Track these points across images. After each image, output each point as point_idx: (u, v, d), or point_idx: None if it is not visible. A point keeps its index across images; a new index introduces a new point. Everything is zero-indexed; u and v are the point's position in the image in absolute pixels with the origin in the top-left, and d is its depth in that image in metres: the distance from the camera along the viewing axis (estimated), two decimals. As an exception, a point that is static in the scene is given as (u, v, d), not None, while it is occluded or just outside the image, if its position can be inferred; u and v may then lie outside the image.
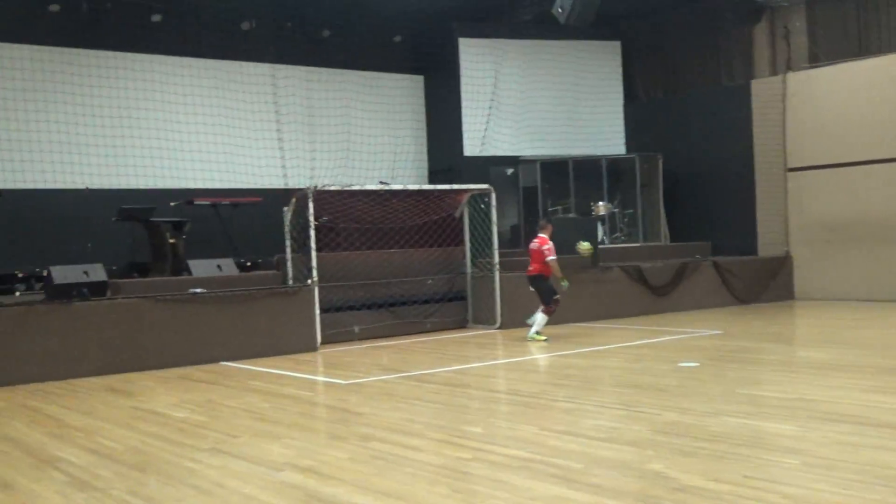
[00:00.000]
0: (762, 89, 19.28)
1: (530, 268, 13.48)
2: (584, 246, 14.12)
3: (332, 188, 13.96)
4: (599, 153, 20.80)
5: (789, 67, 19.15)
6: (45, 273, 12.87)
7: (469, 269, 15.71)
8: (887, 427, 6.80)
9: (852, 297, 17.65)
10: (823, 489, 5.25)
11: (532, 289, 13.49)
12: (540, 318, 13.35)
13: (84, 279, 12.21)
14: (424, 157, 20.79)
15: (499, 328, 14.89)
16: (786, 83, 18.83)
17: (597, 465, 5.99)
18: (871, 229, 17.42)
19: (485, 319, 15.23)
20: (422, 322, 14.95)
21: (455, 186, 15.53)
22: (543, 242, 13.37)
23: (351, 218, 14.52)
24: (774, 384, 9.15)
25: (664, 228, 20.51)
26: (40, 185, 16.06)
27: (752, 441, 6.53)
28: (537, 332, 13.30)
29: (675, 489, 5.35)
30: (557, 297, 13.34)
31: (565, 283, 13.37)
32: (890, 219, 17.15)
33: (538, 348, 12.67)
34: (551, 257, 13.19)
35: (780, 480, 5.50)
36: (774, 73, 19.51)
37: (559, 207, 19.82)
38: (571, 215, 19.44)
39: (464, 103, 20.05)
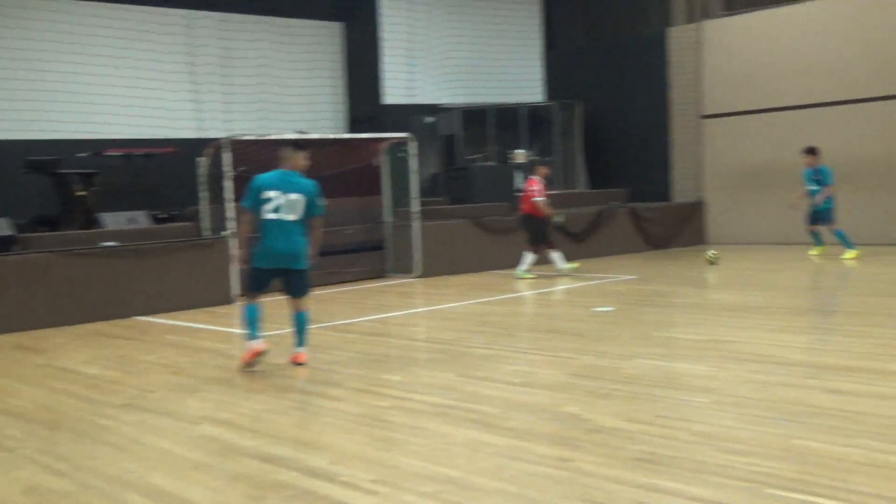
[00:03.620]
0: (679, 37, 19.46)
1: (521, 207, 14.36)
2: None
3: (249, 137, 13.70)
4: (518, 101, 20.80)
5: (706, 15, 19.34)
6: (-52, 228, 12.39)
7: (388, 219, 15.65)
8: (794, 365, 7.02)
9: (763, 241, 18.11)
10: (733, 426, 5.41)
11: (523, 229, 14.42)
12: (529, 258, 14.23)
13: (-11, 234, 11.81)
14: (343, 105, 20.52)
15: (418, 277, 14.90)
16: (701, 31, 19.04)
17: (513, 410, 6.06)
18: (782, 175, 17.82)
19: (404, 269, 15.21)
20: (340, 272, 14.86)
21: (374, 135, 15.38)
22: (532, 183, 14.11)
23: (268, 168, 14.26)
24: (687, 326, 9.37)
25: (583, 176, 20.69)
26: (-60, 137, 15.41)
27: (665, 382, 6.68)
28: (526, 270, 14.15)
29: (589, 430, 5.45)
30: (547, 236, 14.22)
31: (560, 219, 14.34)
32: (800, 164, 17.54)
33: (526, 285, 13.41)
34: (538, 197, 13.92)
35: (692, 418, 5.65)
36: (691, 21, 19.69)
37: (478, 156, 19.82)
38: (490, 163, 19.47)
39: (383, 50, 19.80)
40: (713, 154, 19.07)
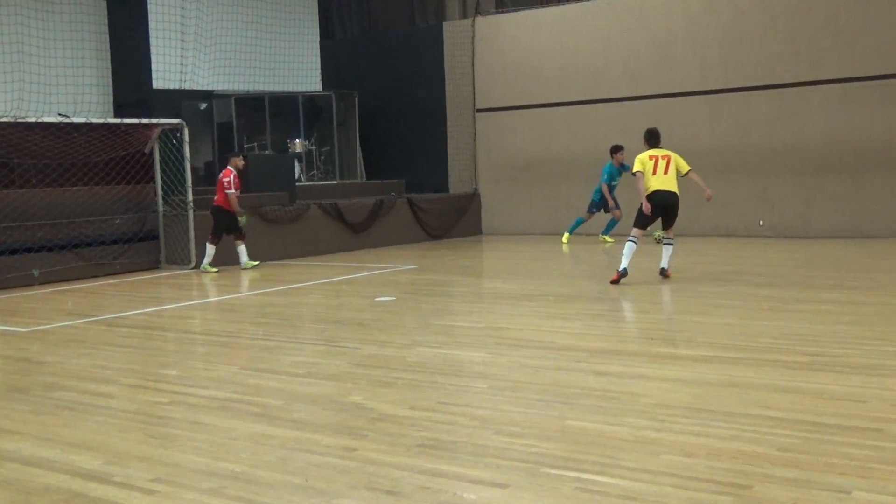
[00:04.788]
0: (453, 32, 19.92)
1: (215, 198, 14.03)
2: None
3: (4, 120, 12.76)
4: (296, 90, 20.58)
5: (478, 12, 19.90)
6: None
7: (161, 208, 15.06)
8: (565, 350, 7.38)
9: (535, 231, 18.92)
10: (509, 409, 5.62)
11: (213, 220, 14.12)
12: (209, 249, 14.04)
13: None
14: (109, 88, 19.49)
15: (193, 268, 14.44)
16: (475, 27, 19.58)
17: (297, 401, 6.00)
18: (552, 168, 18.70)
19: (179, 259, 14.71)
20: (110, 263, 14.17)
21: (144, 121, 14.75)
22: (226, 174, 13.86)
23: (27, 153, 13.38)
24: (466, 315, 9.63)
25: (360, 166, 20.78)
26: None
27: (446, 369, 6.84)
28: (209, 264, 13.96)
29: (374, 419, 5.49)
30: (242, 230, 14.04)
31: (243, 219, 14.02)
32: (570, 158, 18.48)
33: (211, 279, 13.22)
34: (230, 190, 13.69)
35: (471, 404, 5.82)
36: (465, 16, 20.20)
37: (255, 144, 19.45)
38: (268, 152, 19.17)
39: (152, 32, 18.94)
40: (486, 147, 19.69)
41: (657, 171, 10.94)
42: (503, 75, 19.24)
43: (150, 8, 18.91)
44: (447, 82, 20.00)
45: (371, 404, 5.84)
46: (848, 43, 15.63)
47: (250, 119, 19.65)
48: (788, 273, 11.76)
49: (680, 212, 11.17)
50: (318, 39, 21.84)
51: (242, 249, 14.15)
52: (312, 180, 19.60)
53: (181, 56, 19.44)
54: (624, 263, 10.93)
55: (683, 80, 17.17)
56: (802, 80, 16.05)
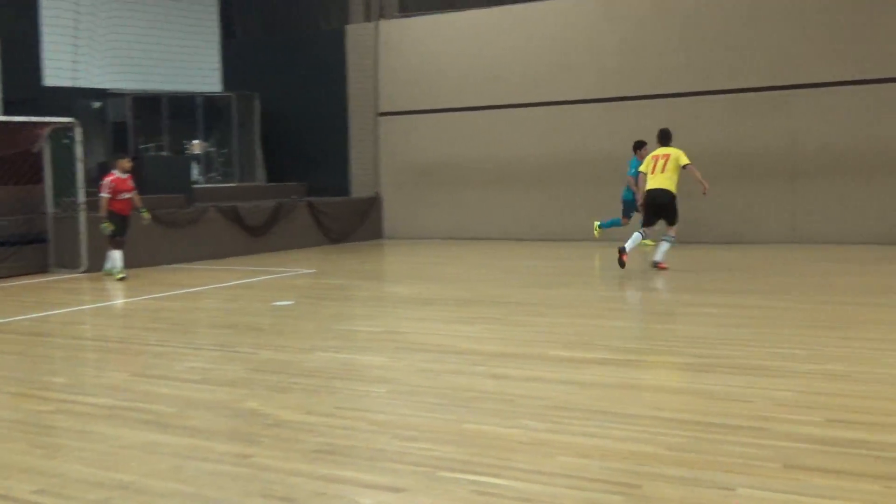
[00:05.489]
0: (357, 35, 19.85)
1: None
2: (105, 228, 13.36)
3: None
4: (194, 90, 20.19)
5: (382, 15, 19.87)
6: None
7: (51, 209, 14.57)
8: (465, 353, 7.41)
9: (437, 236, 18.98)
10: (408, 413, 5.62)
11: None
12: (117, 255, 13.36)
13: None
14: (-2, 85, 18.77)
15: (85, 272, 14.01)
16: (378, 30, 19.55)
17: (191, 408, 5.88)
18: (456, 173, 18.79)
19: (69, 263, 14.24)
20: (-5, 267, 13.64)
21: (34, 119, 14.24)
22: (104, 177, 13.34)
23: None
24: (365, 319, 9.60)
25: (261, 169, 20.52)
26: None
27: (344, 374, 6.80)
28: (112, 267, 13.28)
29: (269, 425, 5.42)
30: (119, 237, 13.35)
31: (104, 227, 13.24)
32: (473, 163, 18.61)
33: (118, 286, 12.63)
34: (102, 193, 13.17)
35: (370, 408, 5.79)
36: (368, 19, 20.15)
37: (152, 145, 19.01)
38: (165, 153, 18.76)
39: (43, 27, 18.33)
40: (389, 151, 19.68)
41: (655, 169, 11.77)
42: (406, 79, 19.27)
43: (42, 2, 18.29)
44: (350, 85, 19.92)
45: (267, 410, 5.76)
46: (739, 55, 16.16)
47: (147, 119, 19.19)
48: (680, 278, 12.07)
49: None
50: (219, 39, 21.47)
51: (117, 255, 13.28)
52: (211, 182, 19.25)
53: (74, 52, 18.84)
54: (627, 245, 11.97)
55: (582, 88, 17.48)
56: (695, 90, 16.53)
